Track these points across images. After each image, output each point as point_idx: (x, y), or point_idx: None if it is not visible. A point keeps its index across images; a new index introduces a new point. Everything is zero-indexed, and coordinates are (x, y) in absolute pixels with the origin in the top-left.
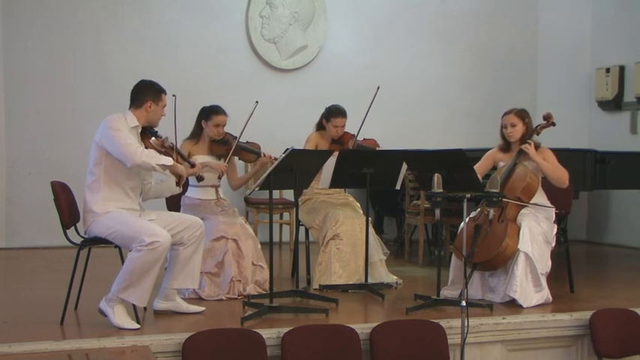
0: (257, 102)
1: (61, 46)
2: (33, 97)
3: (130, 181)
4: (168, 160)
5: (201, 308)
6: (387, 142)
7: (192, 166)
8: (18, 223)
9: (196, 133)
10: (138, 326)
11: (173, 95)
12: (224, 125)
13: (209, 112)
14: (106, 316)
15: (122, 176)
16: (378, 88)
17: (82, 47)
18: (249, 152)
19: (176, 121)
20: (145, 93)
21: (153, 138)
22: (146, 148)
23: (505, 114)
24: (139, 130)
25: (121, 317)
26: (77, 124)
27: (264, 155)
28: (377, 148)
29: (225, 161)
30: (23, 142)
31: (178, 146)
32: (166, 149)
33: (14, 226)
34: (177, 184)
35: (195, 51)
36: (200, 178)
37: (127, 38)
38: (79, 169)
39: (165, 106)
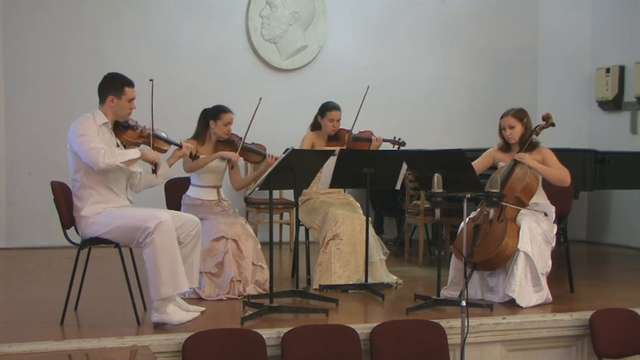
0: (260, 98)
1: (61, 46)
2: (33, 97)
3: (113, 179)
4: (135, 153)
5: (200, 308)
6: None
7: (180, 146)
8: (18, 223)
9: (201, 134)
10: (201, 309)
11: (150, 80)
12: (232, 123)
13: (218, 112)
14: (165, 324)
15: (104, 176)
16: (368, 87)
17: (82, 47)
18: (255, 153)
19: (153, 111)
20: (106, 88)
21: (128, 131)
22: (122, 142)
23: (503, 116)
24: (110, 126)
25: (177, 314)
26: None
27: (270, 157)
28: (374, 138)
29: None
30: (23, 142)
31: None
32: (145, 138)
33: (14, 226)
34: (154, 171)
35: (195, 51)
36: (195, 157)
37: (127, 38)
38: None
39: (132, 99)
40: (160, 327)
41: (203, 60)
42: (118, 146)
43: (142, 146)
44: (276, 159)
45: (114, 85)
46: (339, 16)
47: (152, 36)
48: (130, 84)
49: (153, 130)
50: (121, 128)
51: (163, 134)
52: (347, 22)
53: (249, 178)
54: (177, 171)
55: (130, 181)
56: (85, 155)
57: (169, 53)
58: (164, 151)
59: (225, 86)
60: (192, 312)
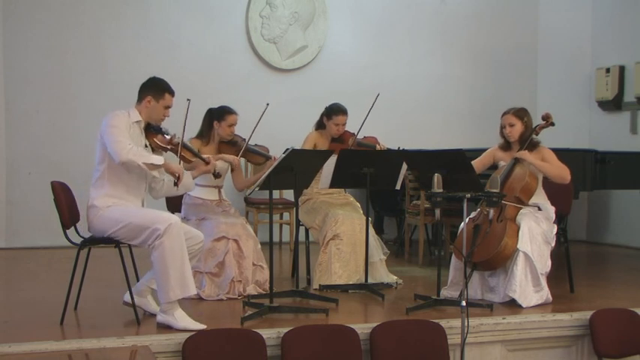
0: (267, 104)
1: (61, 46)
2: (33, 97)
3: (135, 179)
4: (158, 160)
5: (203, 326)
6: (387, 142)
7: (207, 163)
8: (18, 223)
9: (205, 134)
10: (204, 326)
11: (187, 99)
12: (236, 125)
13: (222, 113)
14: (169, 327)
15: (125, 174)
16: (378, 95)
17: (82, 47)
18: (258, 155)
19: (185, 125)
20: (148, 89)
21: (159, 135)
22: (149, 144)
23: (504, 114)
24: (142, 125)
25: (183, 320)
26: (77, 124)
27: (275, 159)
28: (378, 147)
29: (239, 155)
30: (23, 142)
31: (189, 144)
32: (173, 146)
33: (14, 226)
34: (175, 183)
35: (195, 51)
36: (217, 175)
37: (127, 38)
38: (79, 169)
39: (168, 106)
40: (162, 326)
41: (203, 60)
42: (146, 147)
43: (169, 155)
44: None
45: (155, 88)
46: (339, 16)
47: (152, 36)
48: (172, 92)
49: (182, 140)
50: (153, 131)
51: (191, 146)
52: (347, 22)
53: (252, 179)
54: None
55: (152, 185)
56: (110, 144)
57: (169, 53)
58: (189, 162)
59: (225, 86)
60: (198, 323)
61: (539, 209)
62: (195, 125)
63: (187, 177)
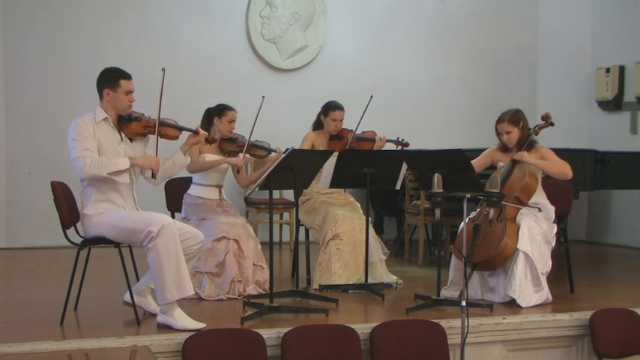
0: (263, 97)
1: (61, 46)
2: (33, 97)
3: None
4: (124, 164)
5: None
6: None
7: (195, 132)
8: (18, 223)
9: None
10: (203, 325)
11: (162, 69)
12: (235, 121)
13: (222, 109)
14: (169, 327)
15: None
16: (372, 96)
17: (82, 47)
18: (261, 149)
19: (161, 102)
20: (102, 83)
21: (132, 123)
22: (127, 136)
23: (498, 122)
24: (112, 121)
25: (183, 320)
26: None
27: (279, 150)
28: (377, 137)
29: (242, 156)
30: (23, 142)
31: (168, 120)
32: (151, 128)
33: (14, 226)
34: (153, 175)
35: (195, 51)
36: (212, 141)
37: (127, 38)
38: None
39: (129, 91)
40: (161, 326)
41: (203, 60)
42: (122, 140)
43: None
44: (282, 152)
45: (108, 79)
46: (339, 16)
47: (152, 36)
48: (125, 76)
49: (159, 117)
50: (124, 122)
51: (172, 121)
52: (347, 22)
53: (255, 175)
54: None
55: (146, 175)
56: (73, 162)
57: (169, 53)
58: (175, 138)
59: (225, 86)
60: (198, 322)
61: (540, 210)
62: (194, 124)
63: (178, 154)
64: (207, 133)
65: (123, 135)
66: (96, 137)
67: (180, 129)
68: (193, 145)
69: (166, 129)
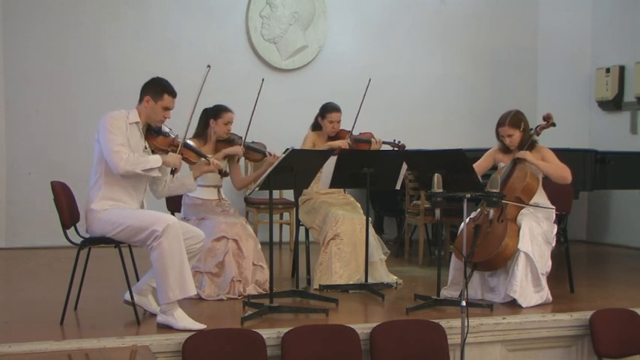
0: (209, 66)
1: (61, 46)
2: (33, 97)
3: (131, 181)
4: (156, 161)
5: (203, 326)
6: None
7: (209, 162)
8: (18, 223)
9: (202, 134)
10: (204, 326)
11: (208, 66)
12: (232, 123)
13: (218, 111)
14: (169, 327)
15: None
16: (370, 80)
17: (82, 47)
18: (256, 152)
19: (190, 122)
20: (147, 89)
21: (159, 137)
22: (149, 146)
23: (499, 125)
24: (141, 127)
25: (183, 320)
26: (77, 124)
27: (271, 155)
28: (374, 140)
29: (242, 145)
30: (23, 142)
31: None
32: (175, 147)
33: (14, 226)
34: (172, 172)
35: (195, 51)
36: (224, 174)
37: (127, 38)
38: (79, 169)
39: (167, 108)
40: (162, 326)
41: (203, 60)
42: (145, 149)
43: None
44: (276, 157)
45: (155, 88)
46: (339, 16)
47: (152, 36)
48: (171, 93)
49: (185, 140)
50: (153, 133)
51: (194, 146)
52: (347, 22)
53: (251, 178)
54: None
55: (154, 187)
56: (107, 155)
57: (169, 53)
58: (192, 163)
59: (225, 86)
60: (199, 323)
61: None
62: (193, 125)
63: (188, 177)
64: (220, 165)
65: (146, 144)
66: (126, 135)
67: (199, 155)
68: (205, 172)
69: (188, 152)
